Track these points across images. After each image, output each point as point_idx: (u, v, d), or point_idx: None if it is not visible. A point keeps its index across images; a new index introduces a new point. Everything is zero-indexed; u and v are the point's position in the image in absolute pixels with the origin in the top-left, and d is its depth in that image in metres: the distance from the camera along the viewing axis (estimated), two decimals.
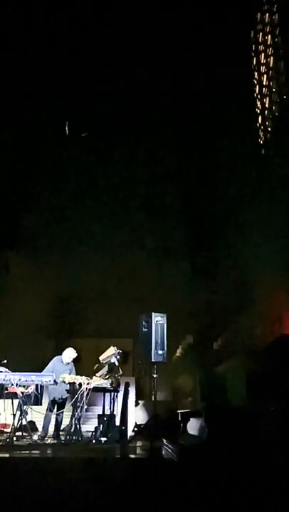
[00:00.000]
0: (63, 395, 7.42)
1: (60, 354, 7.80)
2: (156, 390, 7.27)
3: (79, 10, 13.61)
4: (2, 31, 12.80)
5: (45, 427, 7.31)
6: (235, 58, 13.97)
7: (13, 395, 6.64)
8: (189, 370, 13.16)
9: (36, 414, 7.36)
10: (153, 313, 7.42)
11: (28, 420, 6.98)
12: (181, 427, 6.74)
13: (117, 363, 7.46)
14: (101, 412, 7.55)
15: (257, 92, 15.57)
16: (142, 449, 6.19)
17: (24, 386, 6.68)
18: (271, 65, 14.68)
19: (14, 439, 6.32)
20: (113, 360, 7.48)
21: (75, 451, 6.07)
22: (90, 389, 7.01)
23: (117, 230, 14.96)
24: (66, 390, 7.29)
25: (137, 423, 9.16)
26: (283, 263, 10.84)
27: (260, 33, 15.55)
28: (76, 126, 15.29)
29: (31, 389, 6.81)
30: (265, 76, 15.25)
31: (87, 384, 6.99)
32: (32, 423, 7.75)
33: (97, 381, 7.29)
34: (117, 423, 7.24)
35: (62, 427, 7.52)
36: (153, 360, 7.17)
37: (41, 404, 7.89)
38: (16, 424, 6.42)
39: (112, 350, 7.60)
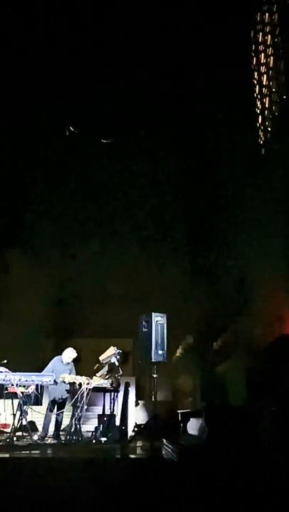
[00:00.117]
0: (63, 395, 7.43)
1: (60, 354, 7.81)
2: (156, 390, 7.27)
3: (79, 10, 13.59)
4: (2, 31, 12.80)
5: (46, 427, 7.31)
6: (235, 58, 13.95)
7: (13, 395, 6.64)
8: (189, 370, 13.17)
9: (36, 414, 7.37)
10: (153, 313, 7.43)
11: (28, 420, 6.98)
12: (181, 427, 6.75)
13: (117, 363, 7.47)
14: (101, 412, 7.56)
15: (257, 92, 15.56)
16: (142, 449, 6.19)
17: (24, 386, 6.69)
18: (271, 65, 14.68)
19: (14, 439, 6.33)
20: (113, 360, 7.49)
21: (75, 451, 6.07)
22: (90, 389, 7.02)
23: (117, 230, 14.98)
24: (66, 390, 7.30)
25: (137, 423, 9.17)
26: (284, 263, 10.84)
27: (260, 33, 15.55)
28: (76, 126, 15.31)
29: (31, 389, 6.81)
30: (265, 76, 15.25)
31: (87, 384, 7.00)
32: (32, 423, 7.75)
33: (97, 381, 7.30)
34: (117, 423, 7.26)
35: (62, 427, 7.53)
36: (153, 360, 7.18)
37: (41, 405, 7.91)
38: (16, 424, 6.42)
39: (112, 350, 7.61)
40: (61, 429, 7.50)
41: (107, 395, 7.51)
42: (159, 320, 7.47)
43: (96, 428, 7.29)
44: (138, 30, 13.48)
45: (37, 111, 13.90)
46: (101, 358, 7.71)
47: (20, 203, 14.71)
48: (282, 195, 11.56)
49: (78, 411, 6.86)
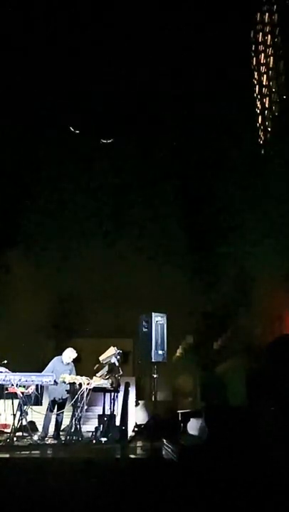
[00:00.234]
0: (63, 395, 7.43)
1: (60, 354, 7.81)
2: (157, 390, 7.28)
3: (79, 10, 13.58)
4: (2, 31, 12.79)
5: (46, 427, 7.31)
6: (235, 58, 13.95)
7: (14, 395, 6.65)
8: (189, 370, 13.16)
9: (36, 414, 7.37)
10: (153, 313, 7.44)
11: (28, 420, 6.99)
12: (181, 427, 6.73)
13: (117, 363, 7.47)
14: (101, 412, 7.56)
15: (257, 92, 15.56)
16: (142, 449, 6.20)
17: (24, 386, 6.69)
18: (271, 65, 14.67)
19: (14, 439, 6.34)
20: (113, 360, 7.49)
21: (76, 451, 6.08)
22: (90, 389, 7.02)
23: (117, 230, 14.98)
24: (66, 390, 7.30)
25: (137, 423, 9.15)
26: (283, 263, 10.85)
27: (260, 33, 15.54)
28: (76, 126, 15.31)
29: (31, 389, 6.82)
30: (265, 76, 15.24)
31: (88, 384, 7.00)
32: (32, 423, 7.75)
33: (98, 381, 7.30)
34: (117, 423, 7.26)
35: (62, 427, 7.53)
36: (153, 360, 7.19)
37: (41, 405, 7.91)
38: (16, 425, 6.43)
39: (112, 350, 7.61)
40: (61, 429, 7.50)
41: (107, 395, 7.51)
42: (159, 320, 7.48)
43: (96, 428, 7.29)
44: (138, 30, 13.47)
45: (37, 111, 13.89)
46: (101, 358, 7.71)
47: (20, 202, 14.71)
48: (282, 195, 11.57)
49: (78, 411, 6.86)
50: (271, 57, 14.73)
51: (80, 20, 13.75)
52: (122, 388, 7.66)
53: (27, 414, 6.76)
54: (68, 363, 7.71)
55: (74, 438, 6.70)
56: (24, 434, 6.70)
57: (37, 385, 6.93)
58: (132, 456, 5.65)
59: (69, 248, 14.53)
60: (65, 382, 7.14)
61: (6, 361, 7.20)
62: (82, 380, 7.03)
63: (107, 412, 7.38)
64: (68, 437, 6.78)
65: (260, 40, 15.62)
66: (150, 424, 7.23)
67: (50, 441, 6.94)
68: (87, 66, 13.94)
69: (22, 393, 6.57)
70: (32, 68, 13.38)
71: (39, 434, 7.23)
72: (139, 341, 7.78)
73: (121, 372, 7.53)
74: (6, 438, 6.52)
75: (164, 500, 3.80)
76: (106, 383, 7.36)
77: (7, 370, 6.73)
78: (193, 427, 5.90)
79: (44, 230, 14.74)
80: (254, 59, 15.96)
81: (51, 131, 14.52)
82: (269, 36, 14.88)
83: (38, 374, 6.97)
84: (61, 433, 7.36)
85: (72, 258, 14.20)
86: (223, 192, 14.06)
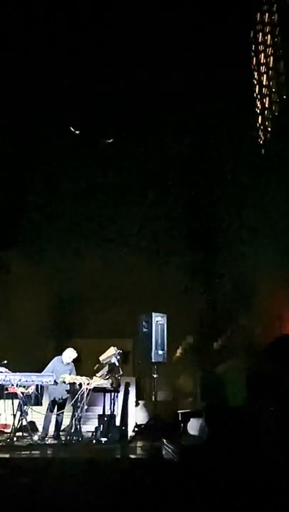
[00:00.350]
0: (63, 395, 7.43)
1: (60, 354, 7.81)
2: (157, 390, 7.28)
3: (79, 10, 13.57)
4: (2, 31, 12.79)
5: (46, 428, 7.32)
6: (235, 58, 13.93)
7: (14, 396, 6.65)
8: (189, 370, 13.15)
9: (36, 414, 7.38)
10: (153, 313, 7.45)
11: (28, 421, 6.99)
12: (181, 427, 6.74)
13: (117, 363, 7.48)
14: (101, 413, 7.56)
15: (257, 92, 15.54)
16: (142, 449, 6.20)
17: (24, 386, 6.70)
18: (271, 65, 14.66)
19: (14, 439, 6.34)
20: (113, 360, 7.49)
21: (76, 451, 6.08)
22: (90, 389, 7.03)
23: (117, 230, 14.97)
24: (66, 391, 7.30)
25: (137, 423, 9.16)
26: (284, 263, 10.85)
27: (260, 33, 15.52)
28: (76, 126, 15.30)
29: (31, 389, 6.82)
30: (265, 76, 15.23)
31: (88, 384, 7.01)
32: (32, 423, 7.76)
33: (98, 381, 7.31)
34: (118, 423, 7.26)
35: (62, 427, 7.53)
36: (153, 360, 7.20)
37: (41, 405, 7.91)
38: (16, 425, 6.44)
39: (112, 350, 7.62)
40: (61, 429, 7.50)
41: (108, 395, 7.51)
42: (159, 320, 7.49)
43: (96, 428, 7.30)
44: (138, 30, 13.46)
45: (37, 111, 13.88)
46: (101, 358, 7.72)
47: (20, 202, 14.71)
48: (282, 195, 11.57)
49: (78, 411, 6.86)
50: (271, 57, 14.72)
51: (80, 20, 13.74)
52: (122, 388, 7.66)
53: (27, 414, 6.77)
54: (68, 363, 7.71)
55: (74, 438, 6.71)
56: (24, 434, 6.71)
57: (37, 385, 6.93)
58: (132, 456, 5.65)
59: (69, 248, 14.53)
60: (65, 383, 7.15)
61: (6, 361, 7.20)
62: (82, 380, 7.03)
63: (107, 412, 7.39)
64: (68, 437, 6.78)
65: (260, 40, 15.60)
66: (150, 424, 7.24)
67: (50, 441, 6.95)
68: (87, 66, 13.93)
69: (22, 393, 6.58)
70: (32, 68, 13.38)
71: (39, 434, 7.24)
72: (139, 341, 7.79)
73: (121, 373, 7.53)
74: (6, 438, 6.52)
75: (164, 500, 3.80)
76: (106, 383, 7.36)
77: (7, 370, 6.73)
78: (193, 427, 5.90)
79: (44, 230, 14.73)
80: (254, 59, 15.95)
81: (51, 131, 14.50)
82: (269, 36, 14.86)
83: (38, 374, 6.98)
84: (61, 433, 7.37)
85: (72, 258, 14.19)
86: (223, 192, 14.07)
